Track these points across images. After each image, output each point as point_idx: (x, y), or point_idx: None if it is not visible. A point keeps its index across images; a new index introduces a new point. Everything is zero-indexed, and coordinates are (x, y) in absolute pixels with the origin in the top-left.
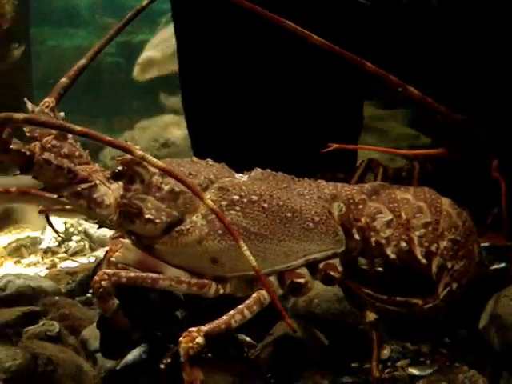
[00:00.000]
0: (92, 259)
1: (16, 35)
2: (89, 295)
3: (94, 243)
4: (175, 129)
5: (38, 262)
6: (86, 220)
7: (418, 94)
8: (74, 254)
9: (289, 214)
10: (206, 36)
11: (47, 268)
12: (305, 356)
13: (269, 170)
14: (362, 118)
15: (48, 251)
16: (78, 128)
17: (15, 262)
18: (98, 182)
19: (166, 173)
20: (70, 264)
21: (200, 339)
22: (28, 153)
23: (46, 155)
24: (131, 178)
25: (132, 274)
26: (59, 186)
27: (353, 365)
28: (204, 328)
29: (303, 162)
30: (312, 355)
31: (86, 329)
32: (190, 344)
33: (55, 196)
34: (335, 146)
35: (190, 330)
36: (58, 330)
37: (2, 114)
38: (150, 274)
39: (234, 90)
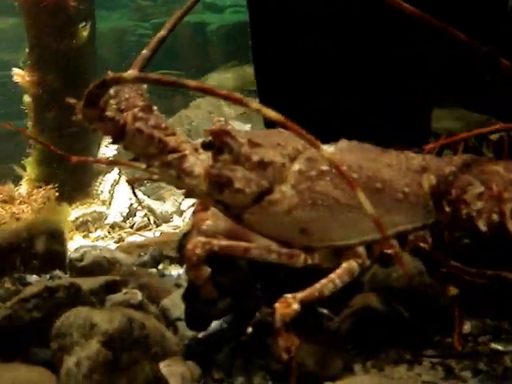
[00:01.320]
0: (157, 234)
1: (82, 14)
2: (160, 268)
3: (158, 219)
4: (227, 107)
5: (106, 236)
6: (149, 196)
7: None
8: (139, 228)
9: (378, 185)
10: None
11: (115, 242)
12: (385, 328)
13: (355, 141)
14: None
15: (114, 226)
16: (192, 83)
17: (83, 236)
18: (187, 152)
19: (280, 124)
20: (136, 238)
21: (295, 305)
22: (121, 121)
23: (138, 124)
24: (220, 148)
25: (224, 243)
26: (149, 156)
27: (434, 339)
28: (299, 295)
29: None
30: (393, 328)
31: (165, 298)
32: (286, 310)
33: (144, 166)
34: None
35: (285, 296)
36: (140, 298)
37: (111, 74)
38: (242, 243)
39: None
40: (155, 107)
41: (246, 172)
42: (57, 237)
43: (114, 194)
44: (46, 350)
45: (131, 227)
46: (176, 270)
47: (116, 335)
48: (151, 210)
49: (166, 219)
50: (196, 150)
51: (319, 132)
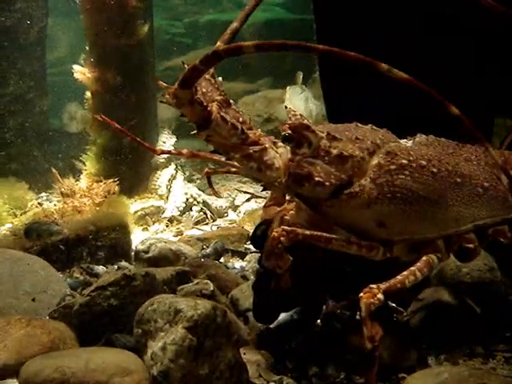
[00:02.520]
0: (214, 228)
1: (141, 12)
2: (222, 260)
3: (213, 213)
4: (278, 104)
5: (164, 229)
6: (203, 191)
7: None
8: (196, 223)
9: (458, 180)
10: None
11: (174, 235)
12: (457, 323)
13: (432, 136)
14: None
15: (172, 220)
16: (320, 47)
17: (142, 229)
18: (267, 145)
19: (409, 83)
20: (194, 232)
21: (380, 295)
22: (209, 108)
23: (223, 113)
24: (299, 142)
25: (308, 232)
26: (231, 148)
27: (506, 334)
28: (382, 286)
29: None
30: (464, 322)
31: (234, 289)
32: (372, 300)
33: (223, 158)
34: None
35: (370, 286)
36: (211, 288)
37: (232, 45)
38: (324, 234)
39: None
40: (232, 101)
41: (325, 166)
42: (121, 229)
43: (171, 188)
44: (125, 336)
45: (188, 221)
46: (238, 263)
47: (201, 321)
48: (207, 205)
49: (221, 214)
50: (274, 143)
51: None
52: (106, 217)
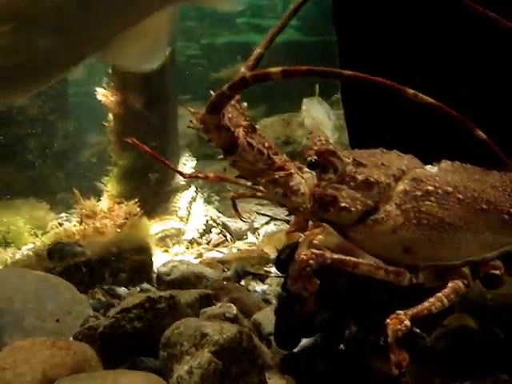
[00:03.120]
0: (234, 250)
1: None
2: (242, 283)
3: (232, 235)
4: (297, 127)
5: (184, 251)
6: (222, 213)
7: None
8: (217, 245)
9: (484, 206)
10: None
11: (195, 258)
12: (482, 349)
13: (458, 162)
14: None
15: (193, 242)
16: (347, 72)
17: (163, 251)
18: (293, 170)
19: (438, 108)
20: (215, 254)
21: (407, 322)
22: (236, 133)
23: (250, 139)
24: (325, 167)
25: (336, 256)
26: (257, 173)
27: None
28: (409, 312)
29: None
30: (489, 349)
31: (257, 312)
32: (399, 326)
33: (248, 183)
34: None
35: (397, 312)
36: (235, 312)
37: (259, 71)
38: (352, 258)
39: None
40: (258, 126)
41: (350, 191)
42: (143, 251)
43: (191, 210)
44: (150, 359)
45: (208, 243)
46: (259, 286)
47: (226, 346)
48: (226, 227)
49: (240, 236)
50: (299, 168)
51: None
52: (128, 239)
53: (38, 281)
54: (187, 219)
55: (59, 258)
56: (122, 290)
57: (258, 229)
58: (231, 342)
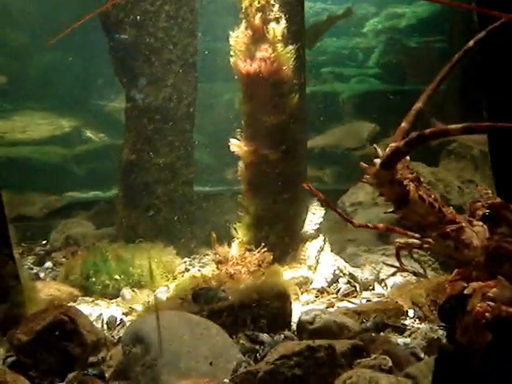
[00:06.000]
0: (363, 301)
1: (295, 88)
2: (381, 335)
3: (359, 286)
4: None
5: (314, 300)
6: (348, 263)
7: None
8: (346, 295)
9: None
10: None
11: (326, 307)
12: None
13: None
14: None
15: (323, 291)
16: None
17: (294, 299)
18: (463, 224)
19: None
20: (346, 304)
21: None
22: (407, 188)
23: (422, 191)
24: (498, 221)
25: (511, 309)
26: (427, 226)
27: None
28: None
29: None
30: None
31: (410, 366)
32: None
33: (418, 235)
34: None
35: None
36: (390, 364)
37: (439, 128)
38: None
39: None
40: (422, 179)
41: None
42: (283, 298)
43: (320, 259)
44: None
45: (336, 293)
46: (400, 339)
47: None
48: (353, 277)
49: (366, 286)
50: (469, 221)
51: None
52: (269, 285)
53: (192, 324)
54: (315, 268)
55: (204, 302)
56: (265, 337)
57: (384, 280)
58: None
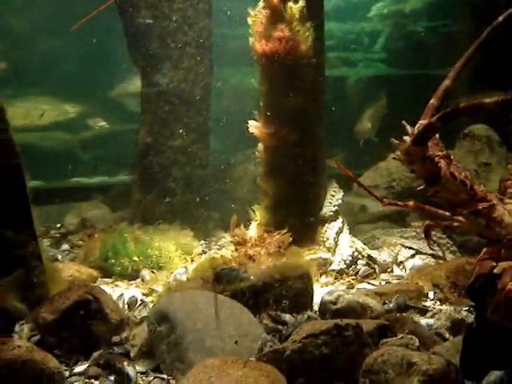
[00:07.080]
0: (383, 283)
1: (313, 71)
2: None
3: (378, 267)
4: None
5: (333, 282)
6: (366, 245)
7: None
8: (365, 276)
9: None
10: None
11: (347, 288)
12: None
13: None
14: None
15: (342, 272)
16: None
17: (314, 281)
18: (495, 201)
19: None
20: (366, 286)
21: None
22: (439, 164)
23: (453, 169)
24: None
25: None
26: (458, 203)
27: None
28: None
29: None
30: None
31: (436, 346)
32: None
33: (448, 213)
34: None
35: None
36: (417, 343)
37: (473, 102)
38: None
39: None
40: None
41: None
42: (305, 278)
43: (339, 241)
44: None
45: (355, 274)
46: (423, 320)
47: (436, 377)
48: (372, 259)
49: (384, 268)
50: (501, 200)
51: None
52: (291, 266)
53: (217, 303)
54: (334, 250)
55: (227, 283)
56: (287, 317)
57: (402, 262)
58: (441, 373)
